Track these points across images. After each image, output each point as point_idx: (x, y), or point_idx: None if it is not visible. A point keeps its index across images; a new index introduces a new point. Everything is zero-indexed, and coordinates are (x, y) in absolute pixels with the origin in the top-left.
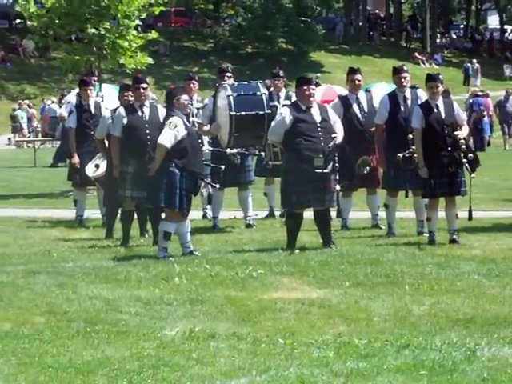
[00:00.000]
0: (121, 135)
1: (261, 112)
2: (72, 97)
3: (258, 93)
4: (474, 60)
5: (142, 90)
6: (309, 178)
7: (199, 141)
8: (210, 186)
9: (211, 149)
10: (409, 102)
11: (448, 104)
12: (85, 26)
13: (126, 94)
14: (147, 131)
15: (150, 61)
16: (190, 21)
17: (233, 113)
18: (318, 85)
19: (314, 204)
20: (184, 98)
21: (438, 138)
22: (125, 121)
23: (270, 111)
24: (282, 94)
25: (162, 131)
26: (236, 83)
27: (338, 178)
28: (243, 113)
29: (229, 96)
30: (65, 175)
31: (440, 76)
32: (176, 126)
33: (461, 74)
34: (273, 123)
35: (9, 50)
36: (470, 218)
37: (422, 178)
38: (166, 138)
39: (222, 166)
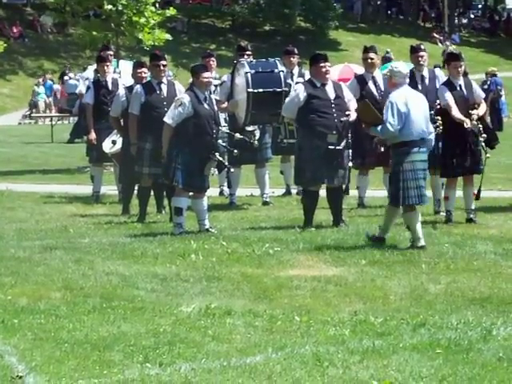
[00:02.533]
0: (139, 113)
1: (278, 89)
2: (90, 73)
3: (276, 70)
4: (448, 43)
5: (161, 67)
6: (322, 154)
7: (216, 120)
8: (223, 165)
9: (226, 131)
10: (426, 80)
11: (468, 83)
12: (102, 1)
13: (139, 70)
14: (165, 109)
15: (168, 37)
16: None
17: (250, 90)
18: (389, 60)
19: (327, 180)
20: (204, 75)
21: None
22: (143, 99)
23: (287, 89)
24: (296, 71)
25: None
26: (254, 60)
27: (350, 155)
28: (261, 90)
29: (246, 73)
30: (81, 151)
31: (462, 55)
32: (181, 104)
33: (479, 54)
34: (287, 100)
35: (26, 26)
36: (478, 197)
37: (442, 157)
38: (169, 116)
39: (235, 150)
